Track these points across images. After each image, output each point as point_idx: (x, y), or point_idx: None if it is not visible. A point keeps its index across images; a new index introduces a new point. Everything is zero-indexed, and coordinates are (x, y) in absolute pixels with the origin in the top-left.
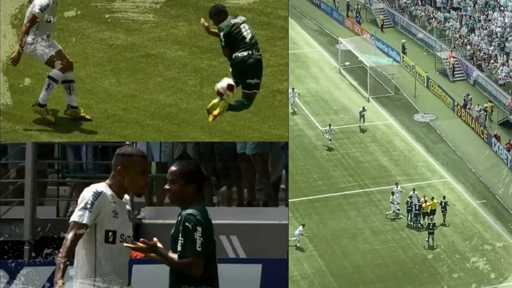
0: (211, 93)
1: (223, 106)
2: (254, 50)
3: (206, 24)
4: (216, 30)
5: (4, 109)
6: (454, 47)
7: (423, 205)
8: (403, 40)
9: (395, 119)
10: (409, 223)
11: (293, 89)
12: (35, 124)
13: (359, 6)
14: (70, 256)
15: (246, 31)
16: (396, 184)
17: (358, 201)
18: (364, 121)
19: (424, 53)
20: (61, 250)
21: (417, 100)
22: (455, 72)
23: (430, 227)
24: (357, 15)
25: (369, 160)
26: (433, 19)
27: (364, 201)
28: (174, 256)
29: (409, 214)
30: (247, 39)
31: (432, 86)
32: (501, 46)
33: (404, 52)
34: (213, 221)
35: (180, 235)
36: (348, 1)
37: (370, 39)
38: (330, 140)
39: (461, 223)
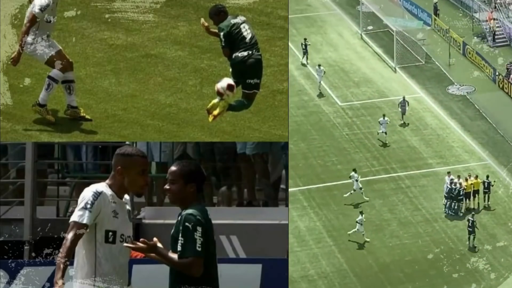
0: (211, 93)
1: (223, 106)
2: (254, 50)
3: (206, 24)
4: (216, 30)
5: (4, 109)
6: (495, 7)
7: (464, 184)
8: (435, 0)
9: (426, 92)
10: (448, 212)
11: (319, 65)
12: (35, 124)
13: None
14: (70, 256)
15: (246, 31)
16: (449, 173)
17: (384, 188)
18: (404, 116)
19: (460, 14)
20: (61, 250)
21: (451, 70)
22: (496, 37)
23: (470, 224)
24: None
25: (396, 140)
26: None
27: (390, 188)
28: (174, 256)
29: (449, 202)
30: (247, 39)
31: (469, 53)
32: None
33: (436, 14)
34: (213, 221)
35: (180, 235)
36: None
37: None
38: (386, 133)
39: (504, 213)
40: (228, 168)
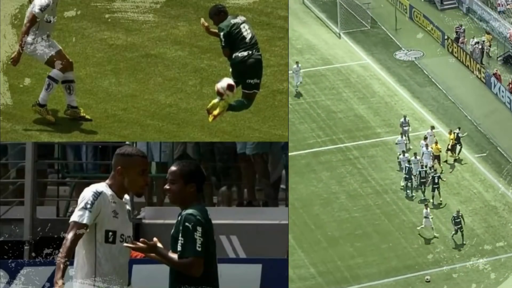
0: (211, 93)
1: (223, 106)
2: (254, 50)
3: (206, 24)
4: (216, 30)
5: (4, 109)
6: None
7: (433, 146)
8: None
9: (373, 59)
10: (411, 193)
11: (297, 63)
12: (35, 124)
13: None
14: (70, 256)
15: (246, 31)
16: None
17: (331, 160)
18: (408, 139)
19: None
20: (61, 250)
21: (398, 35)
22: None
23: (456, 221)
24: None
25: (343, 109)
26: None
27: (338, 159)
28: (174, 256)
29: (414, 180)
30: (247, 39)
31: (417, 16)
32: None
33: None
34: (213, 221)
35: (180, 235)
36: None
37: None
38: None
39: (456, 182)
40: (228, 168)
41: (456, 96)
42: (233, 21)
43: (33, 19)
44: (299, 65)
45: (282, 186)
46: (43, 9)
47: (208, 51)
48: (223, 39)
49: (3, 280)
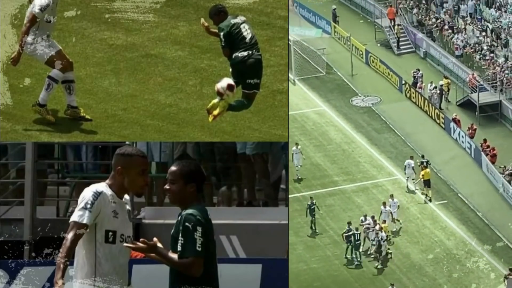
0: (211, 93)
1: (223, 106)
2: (254, 50)
3: (206, 24)
4: (216, 30)
5: (4, 109)
6: (397, 12)
7: (382, 225)
8: (334, 6)
9: (329, 105)
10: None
11: (296, 144)
12: (35, 124)
13: None
14: (70, 256)
15: (246, 31)
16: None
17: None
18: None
19: (361, 21)
20: (61, 250)
21: (355, 80)
22: (400, 43)
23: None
24: None
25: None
26: None
27: (294, 209)
28: (174, 256)
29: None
30: (247, 39)
31: (373, 61)
32: (456, 8)
33: (335, 21)
34: (213, 221)
35: (180, 235)
36: None
37: (293, 6)
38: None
39: (417, 230)
40: (228, 168)
41: (415, 142)
42: (233, 21)
43: (33, 19)
44: (299, 146)
45: (282, 186)
46: (43, 9)
47: (208, 51)
48: (223, 39)
49: (3, 280)
